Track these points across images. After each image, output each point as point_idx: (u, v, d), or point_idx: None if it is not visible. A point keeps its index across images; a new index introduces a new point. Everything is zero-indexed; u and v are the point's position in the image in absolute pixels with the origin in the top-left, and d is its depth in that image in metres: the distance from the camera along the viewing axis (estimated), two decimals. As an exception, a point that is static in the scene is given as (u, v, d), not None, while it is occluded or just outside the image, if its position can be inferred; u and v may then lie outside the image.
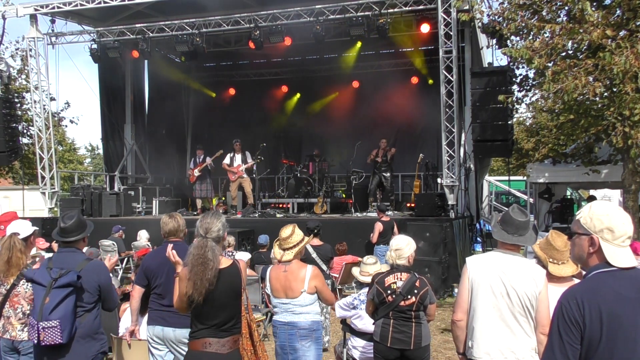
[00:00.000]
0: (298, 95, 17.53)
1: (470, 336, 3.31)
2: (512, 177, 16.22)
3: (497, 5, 8.84)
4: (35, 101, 14.02)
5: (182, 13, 13.10)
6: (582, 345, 2.08)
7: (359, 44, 14.80)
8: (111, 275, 7.16)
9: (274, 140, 16.54)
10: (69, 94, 77.53)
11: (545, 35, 7.46)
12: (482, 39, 11.69)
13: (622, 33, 7.05)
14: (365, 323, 4.67)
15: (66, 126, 22.84)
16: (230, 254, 6.42)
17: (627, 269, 2.15)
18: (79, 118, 29.32)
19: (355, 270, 5.10)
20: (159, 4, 12.96)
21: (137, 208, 14.63)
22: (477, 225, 12.84)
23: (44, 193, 13.82)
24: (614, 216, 2.19)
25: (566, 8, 7.67)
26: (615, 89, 7.03)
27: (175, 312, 4.24)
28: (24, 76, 17.63)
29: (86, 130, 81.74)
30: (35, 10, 13.10)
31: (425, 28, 12.69)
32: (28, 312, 3.96)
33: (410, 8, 11.51)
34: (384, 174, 13.55)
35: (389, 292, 4.08)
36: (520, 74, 9.71)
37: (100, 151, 27.61)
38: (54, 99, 15.92)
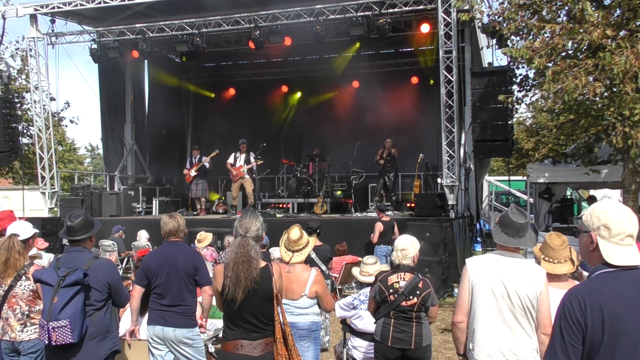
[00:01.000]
0: (298, 95, 17.53)
1: (471, 338, 3.30)
2: (512, 177, 16.21)
3: (497, 5, 8.86)
4: (35, 101, 14.01)
5: (182, 13, 13.09)
6: (584, 346, 2.08)
7: (357, 44, 14.79)
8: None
9: (274, 141, 16.55)
10: (69, 94, 77.63)
11: (545, 35, 7.46)
12: (482, 39, 11.68)
13: (622, 33, 7.05)
14: (366, 323, 4.67)
15: (66, 126, 22.90)
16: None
17: (631, 269, 2.14)
18: (79, 118, 29.45)
19: (355, 270, 5.09)
20: (159, 4, 12.95)
21: (137, 208, 14.65)
22: (477, 225, 12.85)
23: (44, 193, 13.81)
24: (612, 214, 2.18)
25: (566, 8, 7.67)
26: (615, 89, 7.03)
27: (175, 312, 4.24)
28: (24, 76, 17.65)
29: (86, 130, 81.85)
30: (35, 10, 13.09)
31: (425, 28, 12.69)
32: (27, 312, 3.96)
33: (410, 8, 11.51)
34: (388, 174, 13.60)
35: (391, 291, 4.08)
36: (520, 74, 9.74)
37: (100, 151, 27.65)
38: (54, 99, 15.94)
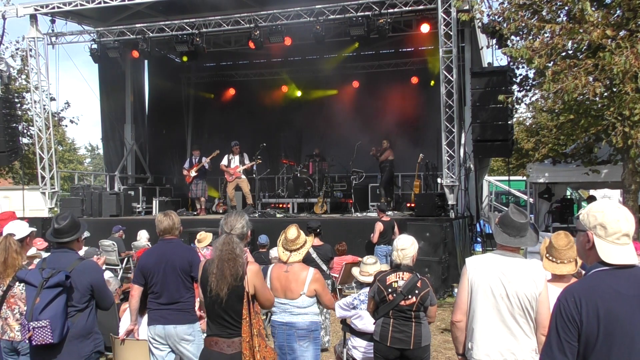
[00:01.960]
0: (298, 95, 17.53)
1: (469, 338, 3.30)
2: (512, 177, 16.22)
3: (497, 5, 8.85)
4: (35, 101, 14.01)
5: (182, 13, 13.11)
6: (579, 343, 2.09)
7: (357, 44, 14.78)
8: (112, 274, 7.18)
9: (274, 140, 16.54)
10: (69, 94, 77.67)
11: (545, 35, 7.46)
12: (482, 39, 11.68)
13: (622, 33, 7.04)
14: (365, 323, 4.67)
15: (66, 126, 22.91)
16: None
17: (627, 267, 2.15)
18: (79, 118, 29.38)
19: (355, 270, 5.09)
20: (159, 4, 12.96)
21: (137, 208, 14.65)
22: (477, 225, 12.84)
23: (44, 193, 13.81)
24: (609, 213, 2.20)
25: (566, 8, 7.67)
26: (615, 89, 7.03)
27: (174, 309, 4.24)
28: (24, 76, 17.65)
29: (86, 130, 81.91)
30: (35, 10, 13.09)
31: (425, 28, 12.68)
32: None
33: (410, 8, 11.51)
34: (382, 172, 13.72)
35: (389, 290, 4.08)
36: (520, 74, 9.74)
37: (100, 151, 27.65)
38: (54, 99, 15.95)
